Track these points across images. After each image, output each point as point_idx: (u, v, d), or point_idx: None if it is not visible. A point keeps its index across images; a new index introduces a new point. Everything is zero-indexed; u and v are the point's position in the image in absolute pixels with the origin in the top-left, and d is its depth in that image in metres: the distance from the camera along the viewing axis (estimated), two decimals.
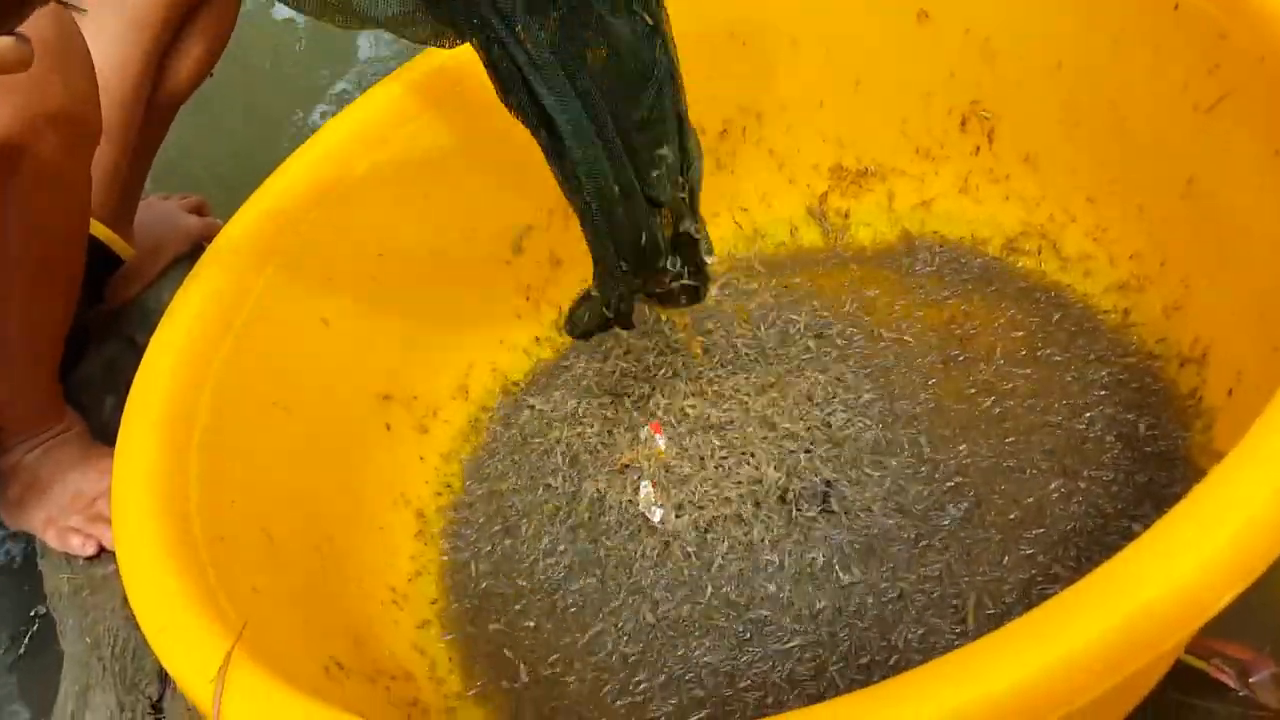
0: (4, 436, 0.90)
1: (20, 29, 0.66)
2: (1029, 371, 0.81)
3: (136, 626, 0.77)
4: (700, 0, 0.95)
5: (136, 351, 1.05)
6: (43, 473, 0.91)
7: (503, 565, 0.82)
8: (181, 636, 0.54)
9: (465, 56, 0.92)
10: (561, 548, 0.81)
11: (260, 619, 0.58)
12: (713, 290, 0.94)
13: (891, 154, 0.97)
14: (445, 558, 0.86)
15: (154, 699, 0.74)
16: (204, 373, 0.72)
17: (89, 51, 0.75)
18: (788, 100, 0.98)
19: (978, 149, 0.93)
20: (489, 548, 0.84)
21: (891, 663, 0.67)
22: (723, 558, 0.74)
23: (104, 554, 0.87)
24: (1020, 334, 0.85)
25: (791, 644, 0.69)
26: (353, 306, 0.88)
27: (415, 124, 0.92)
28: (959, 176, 0.95)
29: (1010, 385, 0.81)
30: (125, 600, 0.79)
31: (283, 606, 0.65)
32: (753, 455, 0.78)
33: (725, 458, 0.78)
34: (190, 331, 0.74)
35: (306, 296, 0.84)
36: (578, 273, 1.02)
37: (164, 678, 0.76)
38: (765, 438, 0.79)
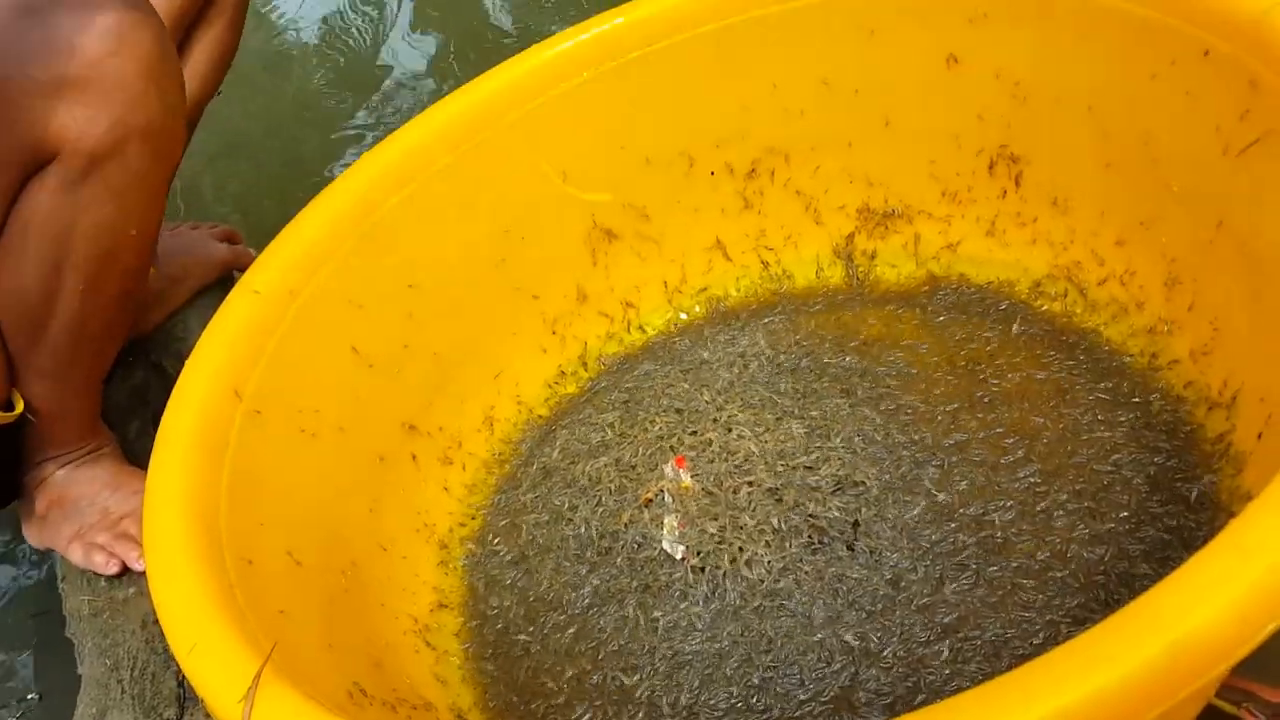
0: (38, 449, 0.90)
1: (126, 39, 0.68)
2: (1055, 414, 0.81)
3: (155, 650, 0.78)
4: (730, 41, 0.96)
5: (163, 378, 1.07)
6: (72, 490, 0.91)
7: (524, 599, 0.82)
8: (211, 656, 0.54)
9: (495, 98, 0.95)
10: (583, 582, 0.80)
11: (287, 642, 0.58)
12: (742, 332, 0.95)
13: (919, 196, 0.98)
14: (467, 589, 0.86)
15: None
16: (235, 399, 0.73)
17: (181, 71, 0.77)
18: (817, 141, 0.99)
19: (1005, 192, 0.94)
20: (511, 581, 0.84)
21: (917, 703, 0.66)
22: (745, 596, 0.74)
23: (125, 575, 0.87)
24: (1045, 376, 0.85)
25: (815, 685, 0.68)
26: (382, 337, 0.89)
27: (445, 160, 0.93)
28: (986, 219, 0.95)
29: (1036, 427, 0.80)
30: (144, 624, 0.80)
31: (308, 630, 0.65)
32: (777, 493, 0.78)
33: (750, 494, 0.78)
34: (223, 358, 0.75)
35: (337, 326, 0.85)
36: (603, 307, 1.04)
37: (182, 701, 0.76)
38: (790, 475, 0.79)
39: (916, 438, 0.81)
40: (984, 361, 0.87)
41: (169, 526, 0.62)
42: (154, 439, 0.99)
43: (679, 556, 0.77)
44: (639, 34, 0.97)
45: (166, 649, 0.77)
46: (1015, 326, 0.90)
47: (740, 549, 0.76)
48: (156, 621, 0.78)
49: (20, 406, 0.82)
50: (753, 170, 1.02)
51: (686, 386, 0.91)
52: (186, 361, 0.74)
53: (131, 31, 0.70)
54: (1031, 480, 0.76)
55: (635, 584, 0.78)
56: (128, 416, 1.02)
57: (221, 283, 1.19)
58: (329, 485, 0.79)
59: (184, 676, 0.74)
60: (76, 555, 0.89)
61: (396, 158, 0.91)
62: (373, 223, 0.88)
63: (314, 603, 0.69)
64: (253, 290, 0.79)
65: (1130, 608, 0.42)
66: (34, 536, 0.94)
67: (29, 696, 0.95)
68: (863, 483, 0.77)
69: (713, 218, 1.03)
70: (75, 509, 0.91)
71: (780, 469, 0.79)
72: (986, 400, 0.83)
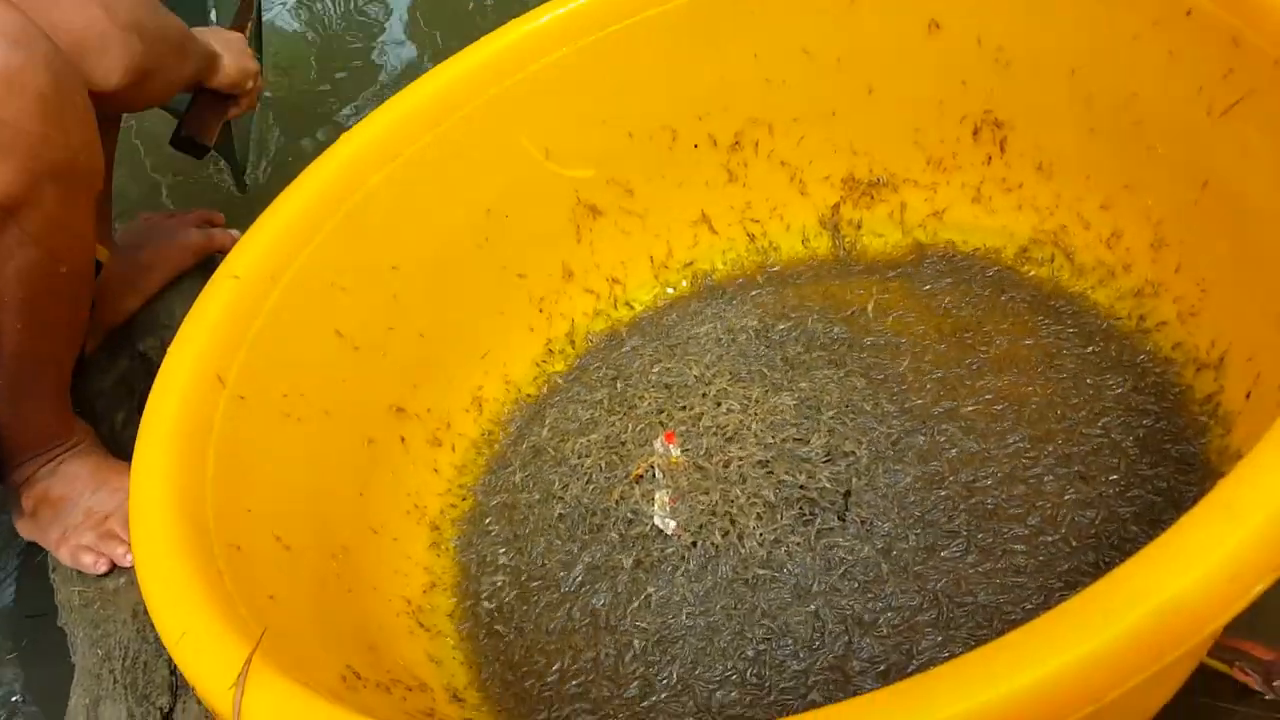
0: (12, 455, 0.90)
1: (14, 84, 0.66)
2: (1044, 379, 0.81)
3: (147, 639, 0.78)
4: (710, 12, 0.95)
5: (147, 366, 1.06)
6: (55, 489, 0.91)
7: (517, 578, 0.82)
8: (200, 643, 0.54)
9: (474, 74, 0.94)
10: (575, 560, 0.80)
11: (278, 627, 0.58)
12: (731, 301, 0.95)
13: (904, 164, 0.98)
14: (460, 570, 0.85)
15: (165, 710, 0.74)
16: (219, 385, 0.72)
17: (88, 99, 0.74)
18: (800, 111, 0.98)
19: (990, 158, 0.93)
20: (503, 560, 0.84)
21: (910, 670, 0.66)
22: (738, 569, 0.74)
23: (114, 570, 0.87)
24: (1033, 341, 0.85)
25: (809, 655, 0.68)
26: (366, 319, 0.88)
27: (425, 139, 0.92)
28: (971, 186, 0.95)
29: (1025, 392, 0.80)
30: (135, 613, 0.80)
31: (299, 615, 0.65)
32: (768, 465, 0.77)
33: (741, 467, 0.78)
34: (204, 344, 0.74)
35: (320, 309, 0.84)
36: (589, 284, 1.03)
37: (174, 689, 0.76)
38: (781, 447, 0.78)
39: (906, 406, 0.81)
40: (972, 329, 0.87)
41: (155, 515, 0.61)
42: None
43: (670, 531, 0.77)
44: (618, 7, 0.96)
45: (158, 638, 0.76)
46: (1002, 293, 0.90)
47: (732, 522, 0.76)
48: (147, 611, 0.78)
49: None
50: (736, 142, 1.01)
51: (675, 361, 0.91)
52: (169, 349, 0.73)
53: (19, 75, 0.67)
54: (1021, 445, 0.76)
55: (628, 560, 0.78)
56: (114, 405, 1.02)
57: (201, 268, 1.18)
58: (316, 469, 0.79)
59: (176, 664, 0.74)
60: (64, 556, 0.89)
61: (375, 137, 0.90)
62: (353, 204, 0.87)
63: (304, 587, 0.69)
64: (233, 275, 0.78)
65: (1119, 571, 0.42)
66: (24, 530, 0.94)
67: (13, 699, 0.95)
68: (853, 453, 0.77)
69: (697, 191, 1.03)
70: (60, 509, 0.90)
71: (770, 441, 0.79)
72: (975, 367, 0.83)
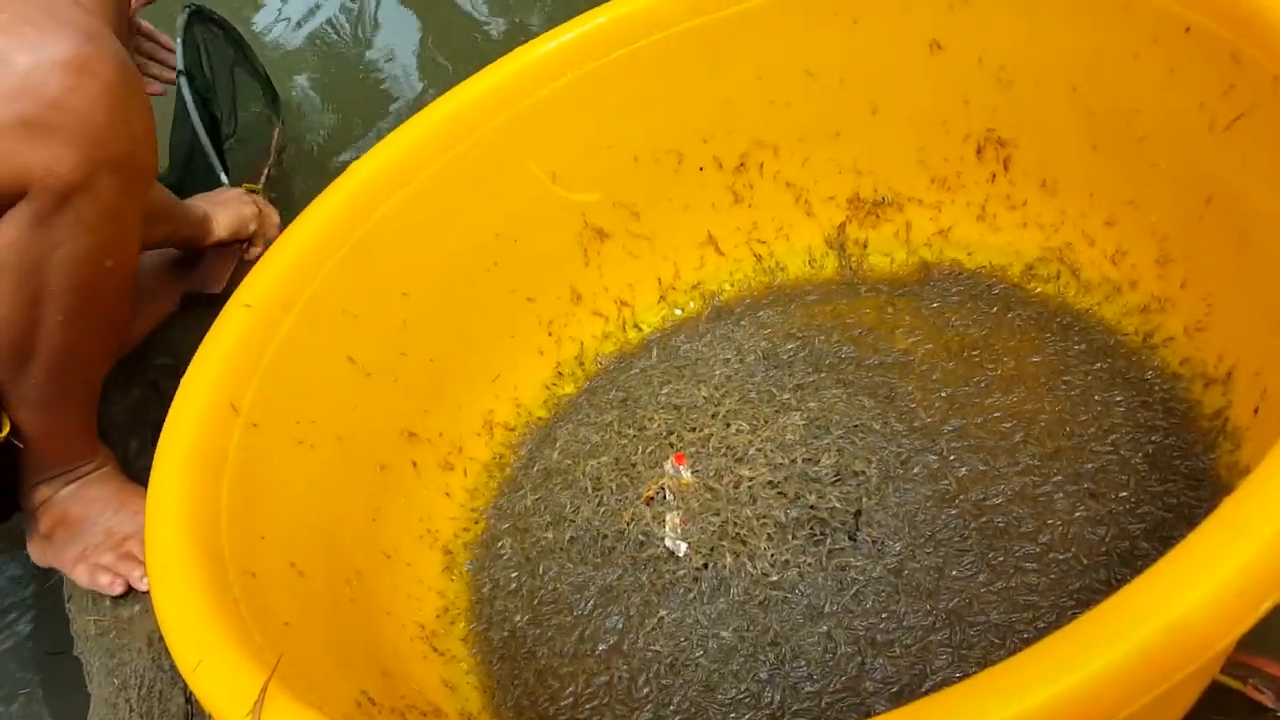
0: (35, 471, 0.90)
1: (85, 72, 0.68)
2: (1052, 396, 0.81)
3: (162, 668, 0.78)
4: (712, 36, 0.96)
5: (161, 395, 1.07)
6: (74, 510, 0.91)
7: (530, 601, 0.82)
8: (217, 671, 0.54)
9: (481, 101, 0.95)
10: (588, 583, 0.81)
11: (293, 653, 0.58)
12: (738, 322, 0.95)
13: (908, 183, 0.98)
14: (473, 594, 0.86)
15: None
16: (232, 413, 0.73)
17: (148, 97, 0.76)
18: (804, 132, 0.99)
19: (994, 176, 0.94)
20: (516, 585, 0.84)
21: (924, 691, 0.66)
22: (749, 590, 0.74)
23: (131, 594, 0.87)
24: (1041, 359, 0.85)
25: (822, 676, 0.69)
26: (377, 345, 0.89)
27: (434, 166, 0.93)
28: (976, 204, 0.95)
29: (1033, 410, 0.81)
30: (150, 641, 0.80)
31: (314, 641, 0.65)
32: (778, 486, 0.78)
33: (751, 488, 0.78)
34: (218, 373, 0.75)
35: (332, 336, 0.85)
36: (598, 306, 1.04)
37: (189, 716, 0.76)
38: (790, 468, 0.79)
39: (915, 425, 0.81)
40: (979, 347, 0.87)
41: (170, 543, 0.62)
42: (153, 456, 0.99)
43: (681, 554, 0.78)
44: (621, 32, 0.97)
45: (173, 666, 0.77)
46: (1009, 310, 0.90)
47: (743, 543, 0.76)
48: (163, 639, 0.79)
49: (5, 430, 0.82)
50: (741, 164, 1.02)
51: (684, 383, 0.92)
52: (182, 378, 0.74)
53: (90, 65, 0.69)
54: (1031, 463, 0.76)
55: (639, 583, 0.78)
56: (127, 434, 1.02)
57: (220, 297, 1.19)
58: (330, 495, 0.80)
59: (191, 693, 0.74)
60: (82, 576, 0.89)
61: (384, 165, 0.91)
62: (363, 232, 0.88)
63: (319, 613, 0.70)
64: (245, 304, 0.79)
65: (1127, 589, 0.42)
66: (38, 555, 0.94)
67: None
68: (862, 472, 0.78)
69: (703, 213, 1.03)
70: (79, 530, 0.91)
71: (780, 462, 0.80)
72: (983, 385, 0.83)
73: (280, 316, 0.81)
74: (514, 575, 0.85)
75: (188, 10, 1.31)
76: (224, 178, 1.21)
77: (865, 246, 1.01)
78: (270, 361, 0.78)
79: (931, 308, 0.93)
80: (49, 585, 1.01)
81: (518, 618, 0.82)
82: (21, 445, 0.84)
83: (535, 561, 0.85)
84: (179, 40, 1.27)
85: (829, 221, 1.02)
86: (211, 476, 0.68)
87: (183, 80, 1.23)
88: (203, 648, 0.55)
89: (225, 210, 1.07)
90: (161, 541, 0.62)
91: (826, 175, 1.01)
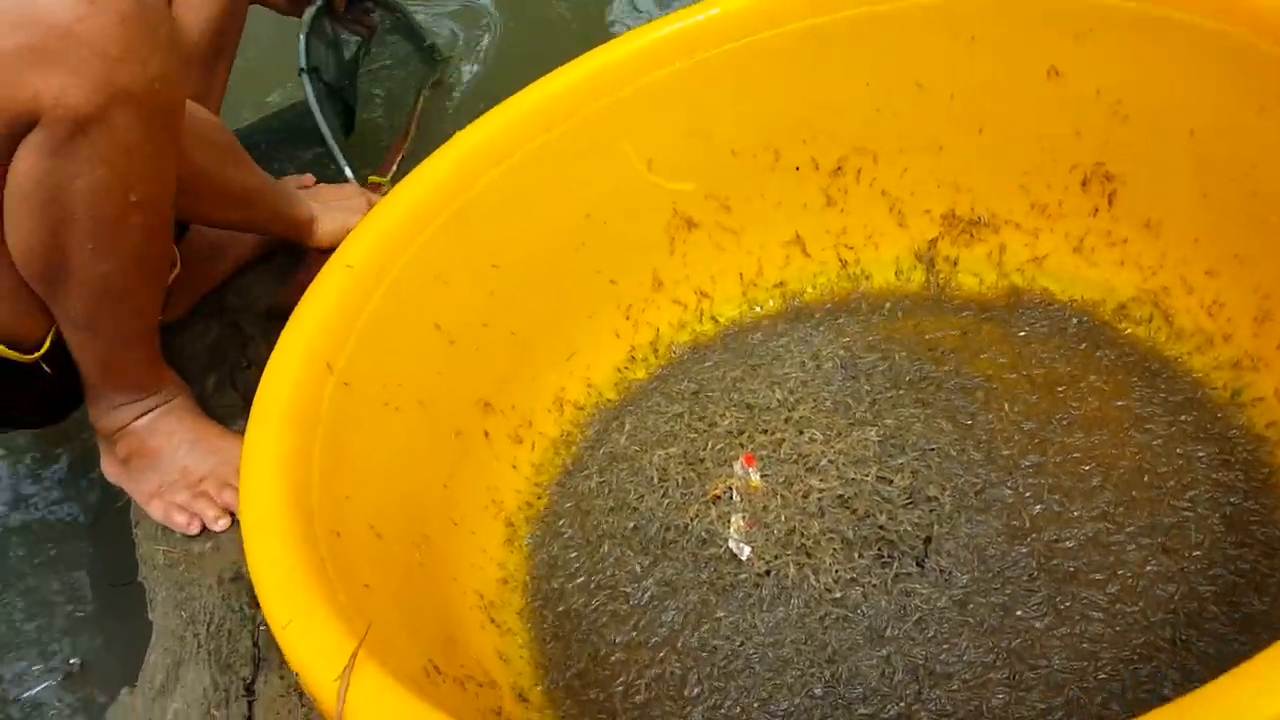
0: (107, 395, 0.91)
1: (97, 2, 0.67)
2: (1134, 443, 0.81)
3: (231, 608, 0.81)
4: (824, 39, 0.96)
5: (239, 334, 1.09)
6: (150, 441, 0.92)
7: (586, 585, 0.83)
8: (307, 633, 0.56)
9: (587, 82, 0.95)
10: (646, 574, 0.81)
11: (371, 616, 0.60)
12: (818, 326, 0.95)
13: (1007, 206, 0.97)
14: (531, 569, 0.87)
15: (247, 681, 0.76)
16: (327, 372, 0.74)
17: (174, 35, 0.75)
18: (906, 143, 0.98)
19: (1097, 210, 0.93)
20: (575, 566, 0.85)
21: None
22: (811, 604, 0.75)
23: (202, 533, 0.89)
24: (1125, 403, 0.84)
25: (877, 701, 0.69)
26: (464, 314, 0.90)
27: (536, 142, 0.94)
28: (1075, 236, 0.94)
29: (1113, 455, 0.80)
30: (220, 580, 0.82)
31: (390, 605, 0.67)
32: (849, 502, 0.78)
33: (820, 500, 0.79)
34: (316, 331, 0.76)
35: (423, 302, 0.86)
36: (677, 295, 1.04)
37: (257, 661, 0.78)
38: (862, 484, 0.79)
39: (992, 455, 0.81)
40: (1064, 383, 0.86)
41: (266, 499, 0.63)
42: (230, 394, 1.01)
43: (744, 557, 0.78)
44: (733, 26, 0.96)
45: (243, 607, 0.79)
46: (1097, 348, 0.90)
47: (808, 555, 0.76)
48: (234, 579, 0.81)
49: (44, 349, 0.83)
50: (839, 168, 1.01)
51: (758, 382, 0.92)
52: (281, 332, 0.76)
53: None
54: (1106, 510, 0.76)
55: (699, 580, 0.79)
56: (205, 371, 1.04)
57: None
58: (409, 458, 0.81)
59: (259, 636, 0.77)
60: (157, 512, 0.91)
61: (489, 137, 0.92)
62: (463, 202, 0.89)
63: (394, 576, 0.71)
64: (345, 264, 0.80)
65: (1210, 688, 0.42)
66: (113, 475, 0.96)
67: (70, 661, 0.97)
68: (936, 498, 0.78)
69: (794, 212, 1.03)
70: (154, 462, 0.92)
71: (852, 476, 0.80)
72: (1065, 423, 0.83)
73: (378, 278, 0.82)
74: (573, 556, 0.86)
75: (318, 4, 1.32)
76: (349, 174, 1.23)
77: (955, 264, 1.00)
78: (365, 323, 0.79)
79: (1018, 336, 0.92)
80: (118, 507, 1.04)
81: (574, 599, 0.83)
82: (49, 369, 0.85)
83: (595, 544, 0.86)
84: (303, 35, 1.28)
85: (921, 235, 1.01)
86: (306, 434, 0.70)
87: (305, 78, 1.24)
88: (294, 607, 0.57)
89: (333, 219, 1.07)
90: (258, 496, 0.63)
91: (924, 188, 1.00)
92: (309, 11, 1.33)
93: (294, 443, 0.68)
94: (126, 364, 0.90)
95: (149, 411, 0.94)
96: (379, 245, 0.83)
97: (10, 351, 0.82)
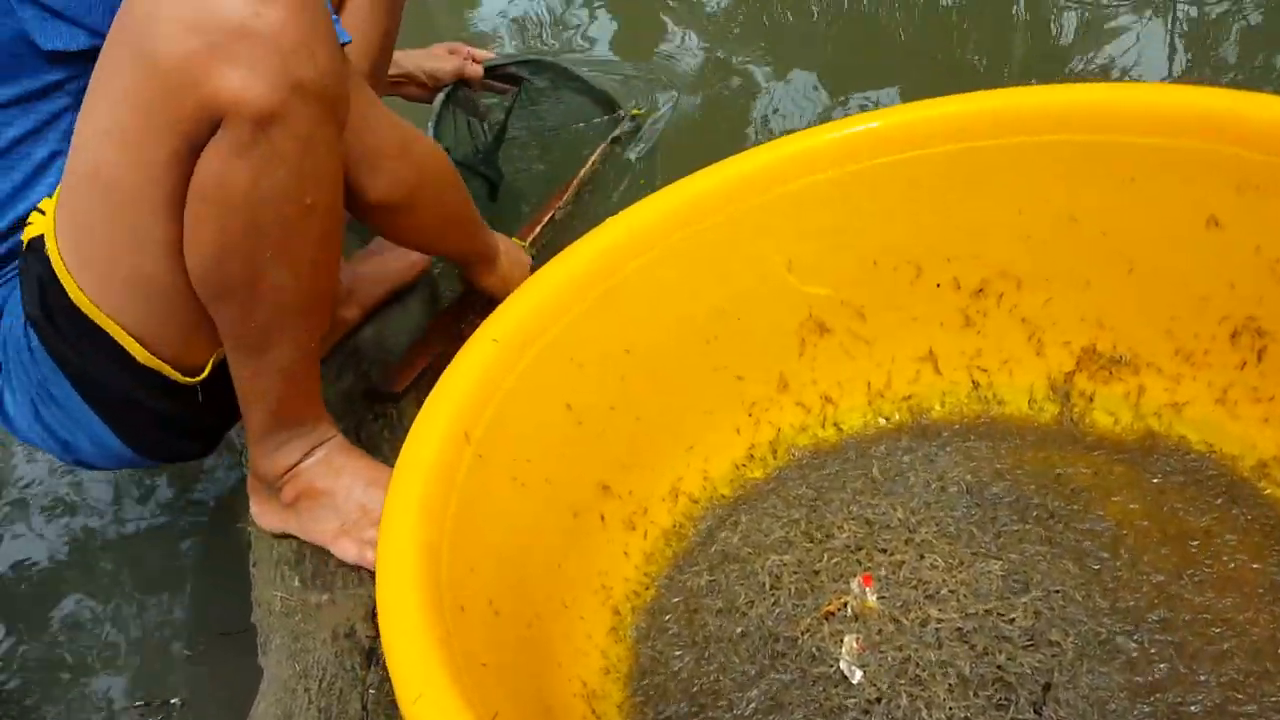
0: (265, 430, 0.89)
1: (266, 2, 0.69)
2: (1268, 611, 0.78)
3: (344, 666, 0.81)
4: (979, 163, 0.96)
5: (369, 387, 1.12)
6: (320, 482, 0.90)
7: (689, 687, 0.83)
8: (434, 710, 0.56)
9: (741, 181, 0.97)
10: (751, 683, 0.80)
11: (488, 698, 0.60)
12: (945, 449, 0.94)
13: (1150, 348, 0.96)
14: (634, 661, 0.87)
15: None
16: (465, 442, 0.76)
17: (335, 31, 0.76)
18: (1053, 273, 0.98)
19: (1244, 364, 0.91)
20: (677, 665, 0.85)
21: None
22: None
23: (320, 582, 0.90)
24: (1261, 567, 0.82)
25: None
26: (594, 397, 0.91)
27: (682, 234, 0.95)
28: (1219, 387, 0.92)
29: (1245, 621, 0.77)
30: (335, 634, 0.83)
31: (502, 685, 0.67)
32: (968, 636, 0.76)
33: (938, 630, 0.77)
34: (459, 401, 0.78)
35: (558, 381, 0.88)
36: (802, 398, 1.04)
37: None
38: (983, 619, 0.77)
39: (1118, 605, 0.79)
40: (1198, 537, 0.84)
41: (402, 566, 0.65)
42: (362, 444, 1.04)
43: (856, 680, 0.77)
44: (887, 141, 0.98)
45: (355, 666, 0.80)
46: (1234, 505, 0.87)
47: (922, 687, 0.75)
48: (347, 635, 0.82)
49: (204, 373, 0.84)
50: (980, 289, 1.01)
51: (879, 498, 0.91)
52: (428, 398, 0.77)
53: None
54: (1236, 678, 0.73)
55: (806, 699, 0.78)
56: (338, 419, 1.06)
57: (417, 285, 1.23)
58: (529, 535, 0.82)
59: (368, 699, 0.77)
60: (349, 551, 0.89)
61: (638, 226, 0.94)
62: (607, 287, 0.91)
63: (506, 655, 0.72)
64: (492, 338, 0.82)
65: None
66: (272, 520, 0.94)
67: (172, 701, 0.98)
68: (1058, 643, 0.76)
69: (930, 328, 1.03)
70: (330, 503, 0.90)
71: (972, 610, 0.78)
72: (1197, 580, 0.81)
73: (520, 355, 0.84)
74: (677, 654, 0.86)
75: (446, 90, 1.39)
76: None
77: (1091, 400, 0.98)
78: (503, 397, 0.81)
79: (1151, 482, 0.90)
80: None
81: (676, 701, 0.82)
82: (201, 396, 0.85)
83: (701, 646, 0.85)
84: (431, 124, 1.34)
85: (1058, 366, 1.00)
86: (441, 502, 0.71)
87: None
88: (423, 682, 0.58)
89: (510, 263, 1.09)
90: (395, 563, 0.65)
91: (1066, 320, 0.99)
92: (438, 98, 1.38)
93: (431, 510, 0.70)
94: (294, 393, 0.88)
95: (314, 450, 0.91)
96: (524, 323, 0.85)
97: (174, 372, 0.82)
